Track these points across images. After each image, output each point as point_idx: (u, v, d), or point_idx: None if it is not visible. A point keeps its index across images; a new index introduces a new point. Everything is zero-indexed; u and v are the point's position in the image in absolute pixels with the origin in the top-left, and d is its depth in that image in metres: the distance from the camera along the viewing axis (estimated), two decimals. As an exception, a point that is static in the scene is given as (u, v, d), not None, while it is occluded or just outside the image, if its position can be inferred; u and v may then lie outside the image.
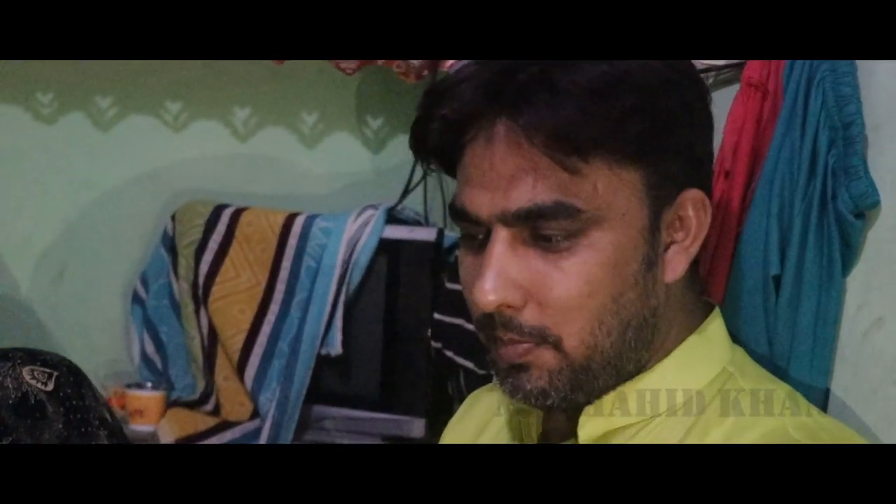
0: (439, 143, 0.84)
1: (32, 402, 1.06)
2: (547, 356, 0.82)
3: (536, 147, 0.78)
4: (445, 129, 0.83)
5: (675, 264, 0.84)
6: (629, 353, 0.84)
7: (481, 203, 0.81)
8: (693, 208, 0.84)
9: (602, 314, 0.81)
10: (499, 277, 0.80)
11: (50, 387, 1.08)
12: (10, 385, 1.07)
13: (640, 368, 0.85)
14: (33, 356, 1.12)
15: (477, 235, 0.84)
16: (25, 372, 1.08)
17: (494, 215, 0.81)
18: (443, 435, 1.11)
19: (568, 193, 0.79)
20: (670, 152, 0.82)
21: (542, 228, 0.80)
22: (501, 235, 0.81)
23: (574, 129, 0.77)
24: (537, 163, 0.79)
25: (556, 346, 0.82)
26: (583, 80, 0.78)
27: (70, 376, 1.12)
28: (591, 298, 0.80)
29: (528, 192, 0.79)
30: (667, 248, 0.84)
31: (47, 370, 1.09)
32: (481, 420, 1.04)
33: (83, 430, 1.08)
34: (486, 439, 1.02)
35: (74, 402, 1.09)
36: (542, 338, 0.81)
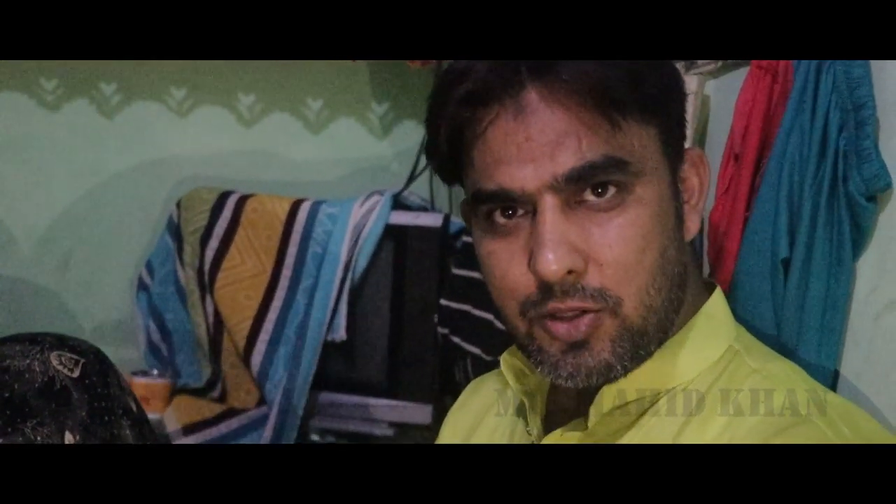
0: (456, 126, 0.82)
1: (58, 387, 1.06)
2: (608, 324, 0.81)
3: (579, 101, 0.78)
4: (466, 106, 0.81)
5: (689, 223, 0.86)
6: (671, 315, 0.84)
7: (524, 176, 0.80)
8: (693, 166, 0.87)
9: (654, 270, 0.81)
10: (559, 245, 0.79)
11: (76, 373, 1.08)
12: (38, 369, 1.07)
13: (669, 336, 0.85)
14: (62, 341, 1.12)
15: (513, 214, 0.82)
16: (53, 357, 1.08)
17: (543, 184, 0.79)
18: (444, 421, 1.11)
19: (614, 147, 0.79)
20: (673, 113, 0.85)
21: (592, 187, 0.79)
22: (551, 203, 0.79)
23: (613, 81, 0.78)
24: (578, 121, 0.78)
25: (616, 310, 0.80)
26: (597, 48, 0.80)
27: (97, 364, 1.12)
28: (646, 253, 0.80)
29: (576, 152, 0.78)
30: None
31: (75, 356, 1.09)
32: (483, 405, 1.04)
33: (106, 418, 1.07)
34: (488, 424, 1.02)
35: (99, 391, 1.09)
36: (605, 300, 0.80)
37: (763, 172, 1.03)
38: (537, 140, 0.79)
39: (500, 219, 0.82)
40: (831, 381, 0.93)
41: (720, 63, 1.18)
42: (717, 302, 0.89)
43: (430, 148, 0.87)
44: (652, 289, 0.81)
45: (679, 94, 0.86)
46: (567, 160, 0.78)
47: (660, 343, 0.84)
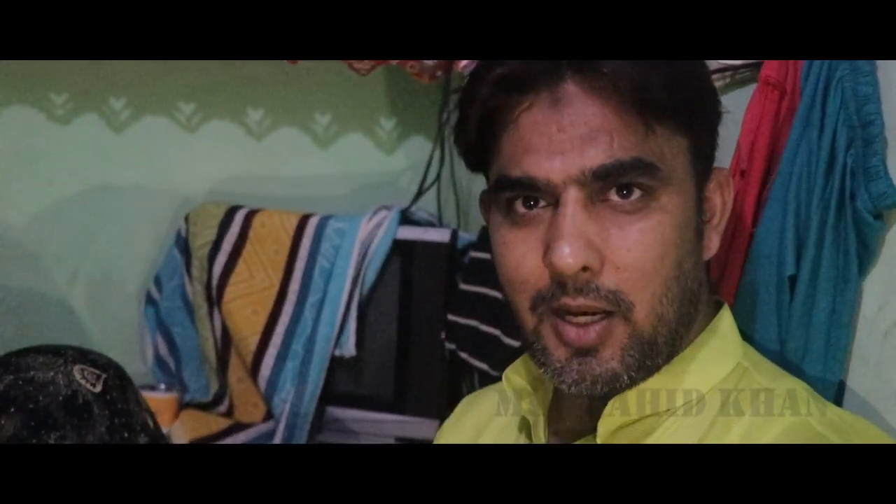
0: (489, 110, 0.81)
1: (81, 401, 1.07)
2: (619, 331, 0.80)
3: (616, 99, 0.77)
4: (502, 90, 0.80)
5: (710, 242, 0.86)
6: (681, 329, 0.83)
7: (551, 167, 0.79)
8: (719, 186, 0.86)
9: (669, 280, 0.80)
10: (578, 239, 0.78)
11: (98, 388, 1.09)
12: (62, 382, 1.08)
13: (678, 350, 0.84)
14: (84, 355, 1.13)
15: (535, 205, 0.81)
16: (76, 371, 1.09)
17: (569, 177, 0.78)
18: (437, 437, 1.09)
19: (645, 151, 0.78)
20: (707, 128, 0.84)
21: (618, 187, 0.79)
22: (575, 197, 0.78)
23: (653, 84, 0.77)
24: (613, 119, 0.78)
25: (627, 315, 0.79)
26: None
27: (117, 380, 1.13)
28: (663, 262, 0.79)
29: (607, 150, 0.78)
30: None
31: (96, 371, 1.11)
32: (479, 422, 1.03)
33: (125, 434, 1.08)
34: (486, 441, 1.01)
35: (120, 406, 1.10)
36: (617, 303, 0.79)
37: (769, 188, 1.03)
38: (569, 132, 0.78)
39: (520, 209, 0.82)
40: (835, 395, 0.93)
41: (728, 79, 1.18)
42: (725, 319, 0.88)
43: (460, 130, 0.86)
44: (665, 298, 0.80)
45: (713, 112, 0.85)
46: (597, 156, 0.78)
47: (668, 358, 0.83)
